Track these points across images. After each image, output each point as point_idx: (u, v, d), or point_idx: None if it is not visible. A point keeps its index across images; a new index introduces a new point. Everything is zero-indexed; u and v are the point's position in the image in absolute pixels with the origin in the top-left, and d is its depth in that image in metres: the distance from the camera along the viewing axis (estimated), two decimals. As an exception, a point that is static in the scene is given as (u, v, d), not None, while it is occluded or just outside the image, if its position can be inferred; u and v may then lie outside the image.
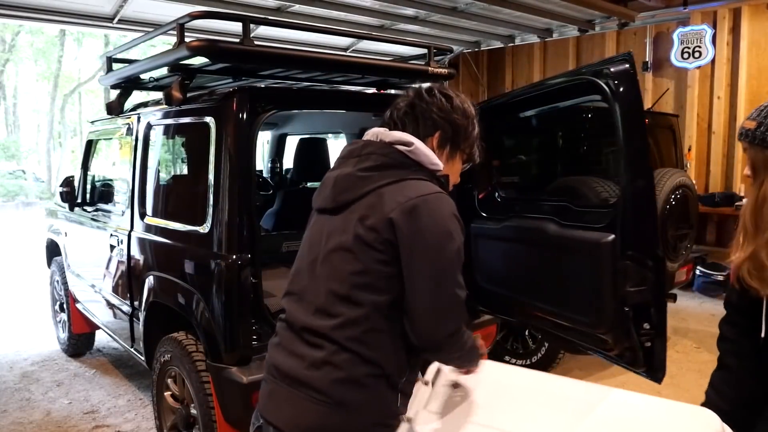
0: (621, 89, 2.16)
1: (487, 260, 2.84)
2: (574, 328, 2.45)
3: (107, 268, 3.63)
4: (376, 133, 1.55)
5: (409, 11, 6.74)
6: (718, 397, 1.63)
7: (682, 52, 6.98)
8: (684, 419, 1.52)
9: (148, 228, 3.11)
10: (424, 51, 3.24)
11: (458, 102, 1.58)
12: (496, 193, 2.97)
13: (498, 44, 8.65)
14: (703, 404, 1.63)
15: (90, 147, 4.38)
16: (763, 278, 1.50)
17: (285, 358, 1.47)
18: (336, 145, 7.35)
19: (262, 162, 6.10)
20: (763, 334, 1.59)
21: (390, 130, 1.55)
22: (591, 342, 2.40)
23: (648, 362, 2.18)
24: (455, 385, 1.77)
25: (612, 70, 2.20)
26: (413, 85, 1.70)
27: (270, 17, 5.96)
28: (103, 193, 3.98)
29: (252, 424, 1.59)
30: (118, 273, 3.47)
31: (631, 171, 2.16)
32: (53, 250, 4.87)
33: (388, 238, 1.38)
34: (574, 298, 2.40)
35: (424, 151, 1.49)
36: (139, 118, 3.33)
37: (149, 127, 3.21)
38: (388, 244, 1.38)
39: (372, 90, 3.77)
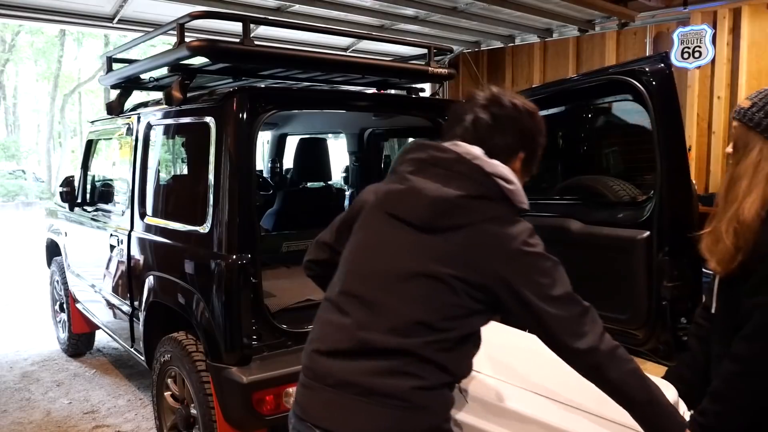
0: (658, 89, 2.19)
1: None
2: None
3: (107, 268, 3.63)
4: (473, 154, 1.45)
5: (409, 11, 6.73)
6: (675, 376, 1.69)
7: (682, 52, 6.98)
8: None
9: (148, 228, 3.11)
10: (424, 51, 3.24)
11: (538, 116, 1.53)
12: None
13: (498, 44, 8.65)
14: (663, 377, 1.68)
15: (90, 147, 4.38)
16: (716, 251, 1.55)
17: (345, 363, 1.41)
18: (336, 146, 7.37)
19: (262, 162, 6.10)
20: (713, 311, 1.67)
21: (476, 145, 1.47)
22: (619, 339, 2.44)
23: None
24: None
25: (648, 69, 2.22)
26: (495, 93, 1.54)
27: (270, 17, 5.95)
28: (103, 193, 3.98)
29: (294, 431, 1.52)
30: (118, 273, 3.47)
31: (670, 171, 2.19)
32: (53, 250, 4.87)
33: (490, 283, 1.38)
34: (603, 296, 2.43)
35: (520, 191, 1.45)
36: (139, 118, 3.33)
37: (149, 127, 3.21)
38: (489, 289, 1.39)
39: (372, 90, 3.78)
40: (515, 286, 1.37)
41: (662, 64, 2.22)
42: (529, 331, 1.52)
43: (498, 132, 1.49)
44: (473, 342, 1.48)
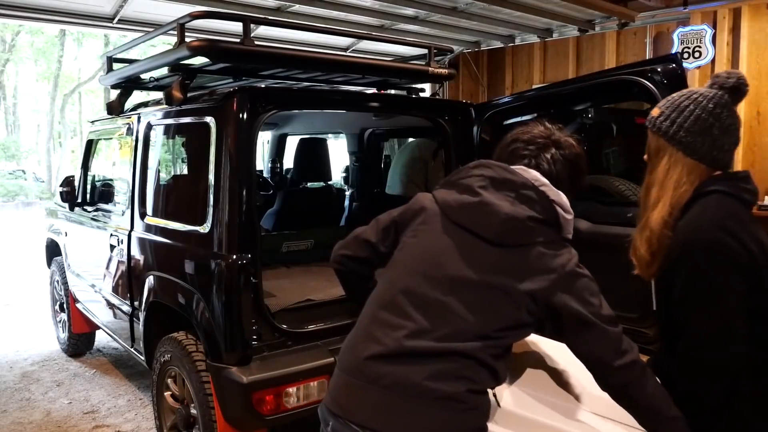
0: (670, 90, 2.20)
1: None
2: None
3: (107, 268, 3.63)
4: (540, 181, 1.56)
5: (409, 11, 6.73)
6: (654, 366, 1.67)
7: (682, 52, 6.98)
8: None
9: (149, 228, 3.11)
10: (425, 51, 3.24)
11: (585, 164, 1.68)
12: None
13: (498, 44, 8.65)
14: None
15: (90, 147, 4.39)
16: (636, 257, 1.61)
17: (403, 369, 1.43)
18: (336, 146, 7.37)
19: (262, 162, 6.10)
20: (654, 307, 1.69)
21: (549, 180, 1.58)
22: (629, 336, 2.47)
23: None
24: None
25: (660, 69, 2.23)
26: (563, 136, 1.68)
27: (270, 17, 5.95)
28: (104, 192, 3.98)
29: None
30: (118, 273, 3.47)
31: None
32: (53, 250, 4.87)
33: (552, 302, 1.47)
34: (613, 294, 2.44)
35: (570, 222, 1.57)
36: (139, 118, 3.33)
37: (149, 127, 3.21)
38: (551, 307, 1.47)
39: (372, 90, 3.78)
40: (571, 305, 1.45)
41: (674, 65, 2.23)
42: (567, 347, 1.56)
43: (567, 170, 1.62)
44: (510, 351, 1.58)
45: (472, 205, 1.54)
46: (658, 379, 1.45)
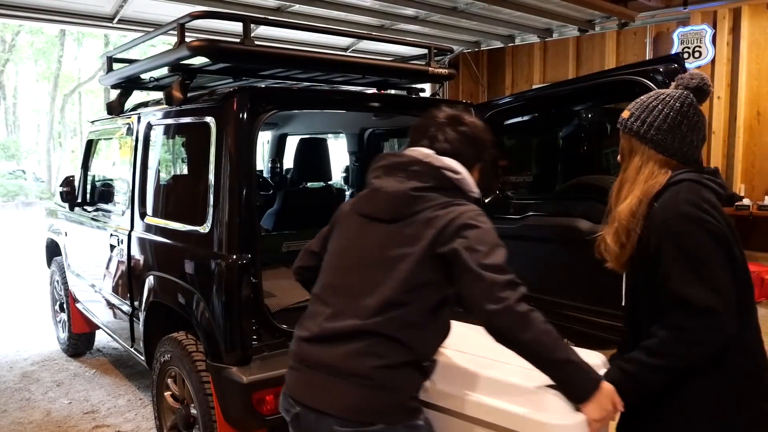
0: None
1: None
2: (609, 323, 2.50)
3: (107, 268, 3.63)
4: (426, 154, 1.70)
5: (409, 11, 6.74)
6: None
7: (682, 52, 6.98)
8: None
9: (149, 228, 3.11)
10: (425, 51, 3.24)
11: (489, 137, 1.81)
12: (508, 193, 2.99)
13: (498, 44, 8.65)
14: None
15: (90, 147, 4.38)
16: (608, 251, 1.70)
17: (323, 348, 1.62)
18: (336, 145, 7.37)
19: (262, 162, 6.10)
20: (623, 303, 1.83)
21: (438, 154, 1.71)
22: None
23: None
24: None
25: (662, 69, 2.24)
26: (463, 114, 1.81)
27: (270, 17, 5.96)
28: (104, 192, 3.98)
29: (286, 411, 1.71)
30: (118, 273, 3.47)
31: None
32: (53, 250, 4.87)
33: (445, 249, 1.56)
34: (614, 294, 2.46)
35: (468, 179, 1.70)
36: (139, 118, 3.33)
37: (149, 127, 3.21)
38: (442, 257, 1.57)
39: (372, 90, 3.77)
40: (457, 252, 1.54)
41: (676, 65, 2.24)
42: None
43: (465, 146, 1.74)
44: (436, 324, 1.65)
45: (367, 194, 1.75)
46: (547, 326, 1.48)
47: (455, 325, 1.77)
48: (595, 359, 1.67)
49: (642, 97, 1.71)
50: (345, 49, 7.84)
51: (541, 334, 1.48)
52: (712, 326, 1.43)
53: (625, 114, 1.70)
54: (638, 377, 1.51)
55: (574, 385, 1.51)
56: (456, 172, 1.68)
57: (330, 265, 1.76)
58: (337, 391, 1.57)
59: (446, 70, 3.21)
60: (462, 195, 1.68)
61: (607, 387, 1.51)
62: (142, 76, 3.39)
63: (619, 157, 1.75)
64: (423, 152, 1.72)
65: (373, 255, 1.65)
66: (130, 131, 3.43)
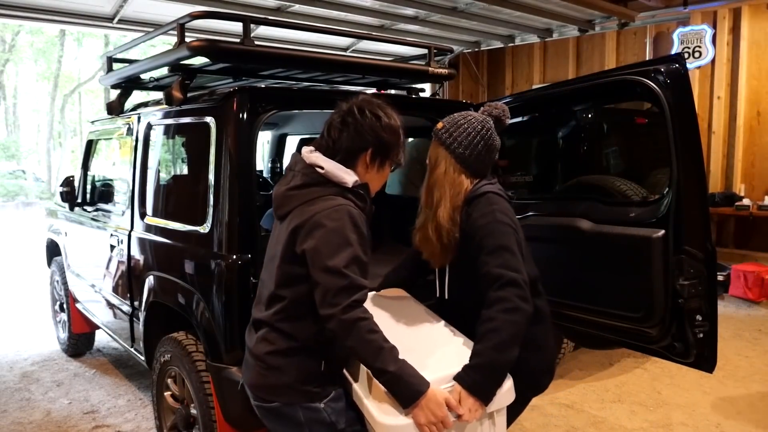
0: (674, 89, 2.22)
1: None
2: (611, 324, 2.51)
3: (107, 268, 3.63)
4: (303, 154, 1.88)
5: (409, 11, 6.74)
6: None
7: (682, 52, 6.97)
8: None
9: (148, 228, 3.11)
10: (425, 51, 3.24)
11: (386, 120, 1.87)
12: (508, 193, 3.00)
13: (498, 44, 8.66)
14: None
15: (90, 147, 4.38)
16: (426, 247, 2.03)
17: (249, 335, 1.97)
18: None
19: (262, 162, 6.10)
20: (438, 294, 2.17)
21: (319, 148, 1.87)
22: (630, 337, 2.49)
23: (699, 353, 2.28)
24: None
25: (663, 69, 2.25)
26: (348, 102, 1.90)
27: (270, 17, 5.96)
28: (103, 192, 3.98)
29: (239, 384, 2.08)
30: (118, 273, 3.47)
31: (686, 170, 2.22)
32: (53, 250, 4.87)
33: (299, 249, 1.74)
34: (616, 294, 2.47)
35: (334, 172, 1.81)
36: (139, 118, 3.33)
37: (149, 127, 3.21)
38: (302, 254, 1.73)
39: (372, 90, 3.77)
40: (306, 254, 1.72)
41: (677, 65, 2.24)
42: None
43: (345, 134, 1.84)
44: (311, 317, 1.77)
45: (273, 194, 1.94)
46: (371, 336, 1.65)
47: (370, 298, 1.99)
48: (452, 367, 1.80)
49: (455, 114, 2.06)
50: (345, 49, 7.84)
51: (363, 343, 1.65)
52: (520, 294, 1.79)
53: (440, 126, 2.05)
54: (489, 364, 1.74)
55: (397, 392, 1.67)
56: (320, 167, 1.81)
57: (264, 266, 1.99)
58: (249, 371, 1.90)
59: (446, 70, 3.21)
60: (335, 186, 1.81)
61: (434, 394, 1.66)
62: (142, 76, 3.39)
63: (427, 161, 2.08)
64: (303, 152, 1.88)
65: (270, 253, 1.91)
66: (130, 131, 3.43)
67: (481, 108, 2.11)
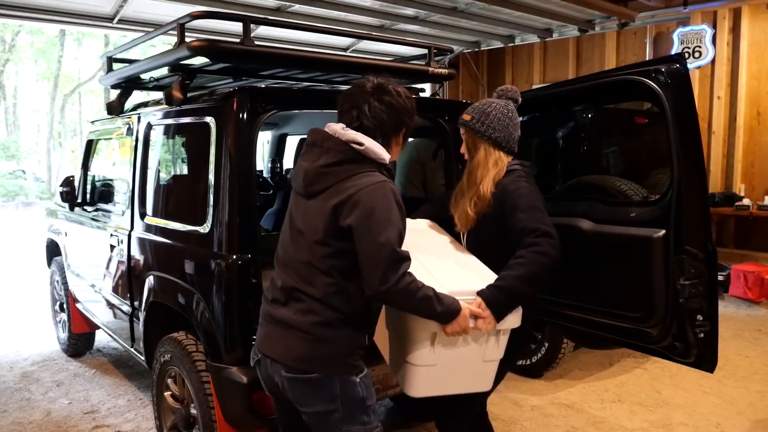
0: (675, 89, 2.22)
1: None
2: (611, 323, 2.51)
3: (107, 268, 3.63)
4: (335, 130, 1.87)
5: (409, 11, 6.74)
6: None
7: (682, 52, 6.97)
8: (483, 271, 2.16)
9: (149, 228, 3.11)
10: (425, 51, 3.24)
11: (411, 100, 1.95)
12: None
13: (498, 44, 8.66)
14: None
15: (90, 147, 4.38)
16: (461, 218, 2.29)
17: (278, 308, 1.92)
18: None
19: (262, 162, 6.10)
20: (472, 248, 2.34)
21: (350, 127, 1.87)
22: (631, 337, 2.49)
23: (700, 353, 2.28)
24: None
25: (664, 69, 2.25)
26: (368, 81, 1.92)
27: (270, 17, 5.96)
28: (103, 193, 3.98)
29: (252, 358, 2.04)
30: (118, 273, 3.47)
31: (687, 170, 2.22)
32: (53, 250, 4.87)
33: (345, 224, 1.77)
34: (617, 294, 2.47)
35: (373, 148, 1.84)
36: (139, 118, 3.33)
37: (149, 127, 3.21)
38: (347, 228, 1.77)
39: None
40: (353, 228, 1.76)
41: (678, 65, 2.24)
42: None
43: (384, 113, 1.88)
44: (357, 290, 1.84)
45: (294, 171, 1.98)
46: (421, 292, 1.80)
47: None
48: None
49: (476, 104, 2.28)
50: (345, 49, 7.84)
51: (417, 302, 1.80)
52: (552, 243, 2.05)
53: (467, 117, 2.27)
54: (510, 287, 1.98)
55: (441, 320, 1.88)
56: (359, 144, 1.82)
57: (280, 238, 2.01)
58: (286, 342, 1.87)
59: (446, 70, 3.21)
60: (371, 164, 1.84)
61: (464, 310, 1.90)
62: (142, 76, 3.39)
63: (463, 149, 2.33)
64: (333, 128, 1.87)
65: (299, 228, 1.90)
66: (130, 131, 3.43)
67: (494, 93, 2.35)
